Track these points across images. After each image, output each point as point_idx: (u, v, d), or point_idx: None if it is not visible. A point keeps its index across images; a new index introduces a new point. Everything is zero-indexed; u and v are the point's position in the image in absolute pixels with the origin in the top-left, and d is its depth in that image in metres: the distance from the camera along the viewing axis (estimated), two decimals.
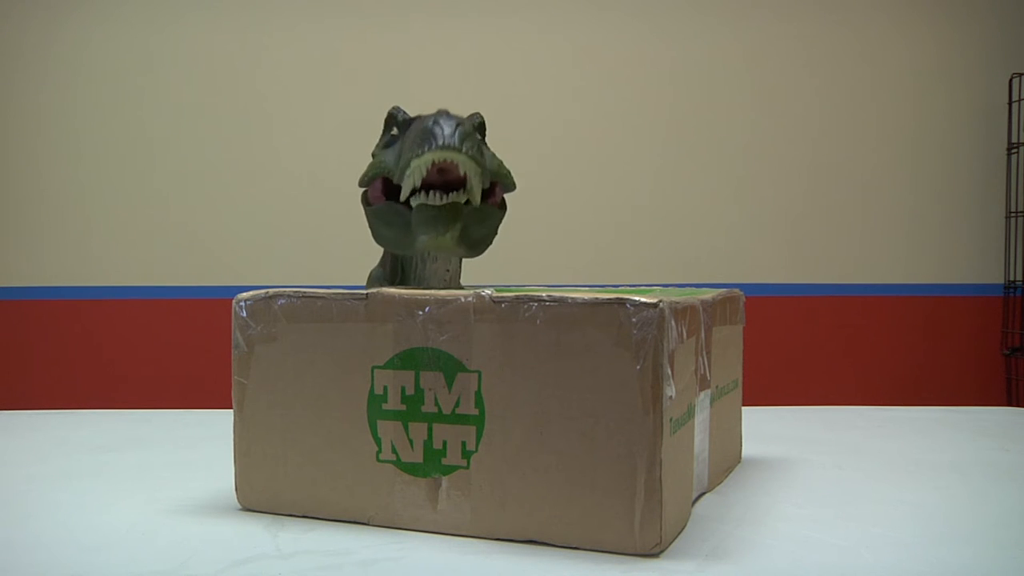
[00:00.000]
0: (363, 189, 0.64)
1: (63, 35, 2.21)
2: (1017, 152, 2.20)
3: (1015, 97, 2.19)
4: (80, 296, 2.21)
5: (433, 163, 0.57)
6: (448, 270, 0.65)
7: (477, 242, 0.62)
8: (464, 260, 0.67)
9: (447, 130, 0.57)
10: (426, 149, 0.56)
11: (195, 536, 0.52)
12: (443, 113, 0.58)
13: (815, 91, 2.23)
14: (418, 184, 0.58)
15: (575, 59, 2.22)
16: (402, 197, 0.59)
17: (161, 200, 2.22)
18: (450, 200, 0.57)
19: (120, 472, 0.69)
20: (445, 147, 0.56)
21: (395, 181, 0.60)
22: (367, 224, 0.65)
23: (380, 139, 0.65)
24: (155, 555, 0.48)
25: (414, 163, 0.57)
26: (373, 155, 0.65)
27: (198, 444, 0.80)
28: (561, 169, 2.22)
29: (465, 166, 0.57)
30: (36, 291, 2.22)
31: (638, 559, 0.47)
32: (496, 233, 0.64)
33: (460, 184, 0.58)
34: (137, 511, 0.57)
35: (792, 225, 2.23)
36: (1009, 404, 2.20)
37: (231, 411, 0.57)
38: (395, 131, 0.63)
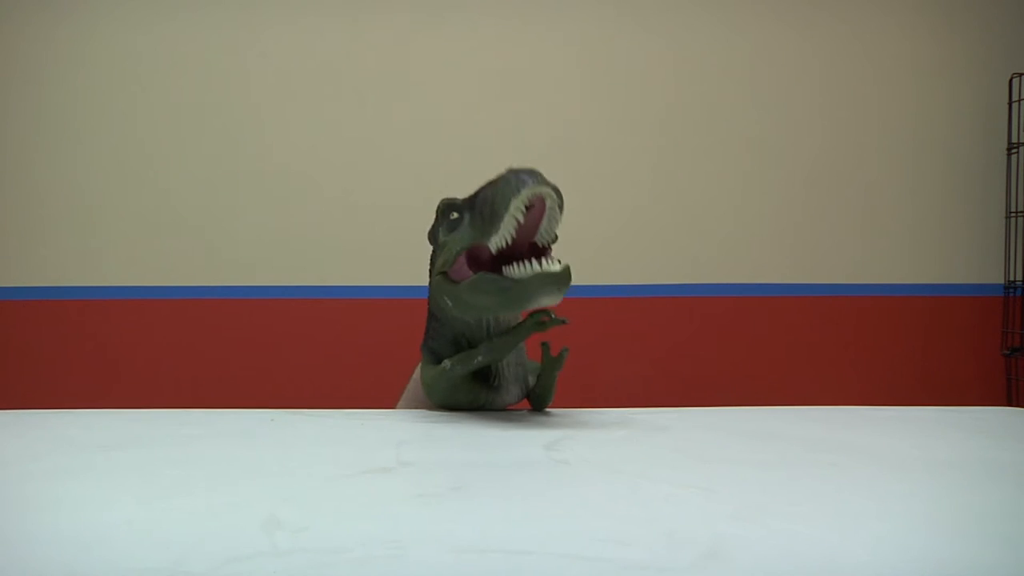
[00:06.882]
0: (439, 273, 0.71)
1: (63, 35, 2.21)
2: (1017, 152, 2.20)
3: (1015, 97, 2.19)
4: (81, 296, 2.22)
5: (529, 200, 0.65)
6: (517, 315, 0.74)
7: None
8: None
9: (531, 177, 0.66)
10: (520, 189, 0.65)
11: (190, 534, 0.52)
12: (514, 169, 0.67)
13: (816, 91, 2.23)
14: (512, 233, 0.66)
15: (577, 59, 2.22)
16: (496, 246, 0.67)
17: (162, 200, 2.22)
18: (564, 266, 0.66)
19: (117, 470, 0.69)
20: (538, 183, 0.65)
21: (486, 242, 0.68)
22: (448, 300, 0.71)
23: (436, 226, 0.73)
24: (150, 552, 0.48)
25: (513, 202, 0.65)
26: (436, 241, 0.73)
27: (198, 444, 0.80)
28: (562, 169, 2.22)
29: (550, 199, 0.66)
30: (37, 291, 2.22)
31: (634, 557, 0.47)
32: None
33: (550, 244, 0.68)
34: (133, 508, 0.57)
35: (793, 225, 2.23)
36: (1009, 404, 2.20)
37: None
38: (454, 215, 0.71)
